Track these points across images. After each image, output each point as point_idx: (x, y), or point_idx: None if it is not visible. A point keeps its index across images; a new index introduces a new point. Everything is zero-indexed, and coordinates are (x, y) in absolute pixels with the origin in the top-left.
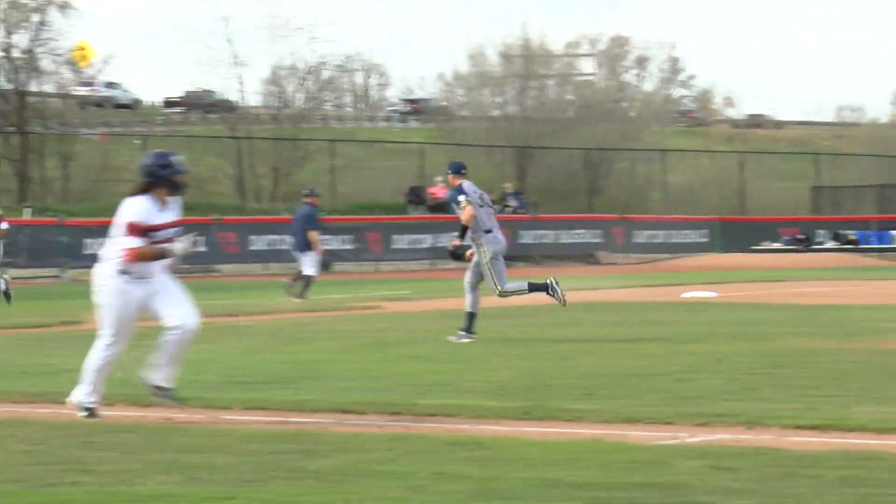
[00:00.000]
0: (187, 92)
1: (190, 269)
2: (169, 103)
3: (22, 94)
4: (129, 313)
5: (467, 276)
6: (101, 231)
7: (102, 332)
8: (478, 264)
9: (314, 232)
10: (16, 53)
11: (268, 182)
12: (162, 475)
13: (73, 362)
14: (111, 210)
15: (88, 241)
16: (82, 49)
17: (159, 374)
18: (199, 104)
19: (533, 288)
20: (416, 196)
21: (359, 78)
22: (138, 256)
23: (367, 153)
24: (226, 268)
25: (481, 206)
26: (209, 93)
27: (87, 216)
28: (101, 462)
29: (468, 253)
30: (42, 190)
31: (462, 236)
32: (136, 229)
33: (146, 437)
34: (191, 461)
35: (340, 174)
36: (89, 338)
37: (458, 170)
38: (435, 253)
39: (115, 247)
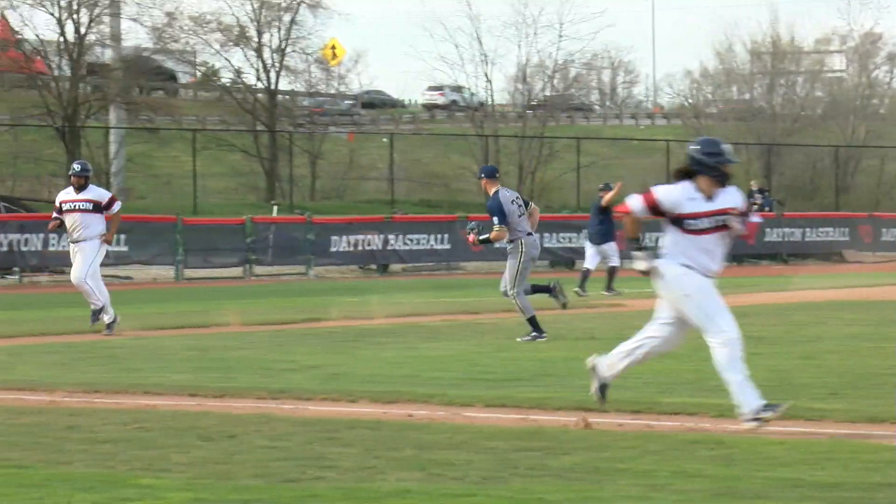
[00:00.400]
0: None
1: (434, 266)
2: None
3: (272, 93)
4: (715, 294)
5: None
6: (347, 229)
7: (709, 330)
8: (511, 263)
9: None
10: (266, 53)
11: (513, 180)
12: (402, 472)
13: (317, 359)
14: (357, 208)
15: (334, 238)
16: (333, 48)
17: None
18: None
19: (531, 322)
20: None
21: (606, 75)
22: (625, 220)
23: (613, 151)
24: (470, 265)
25: (521, 216)
26: (379, 93)
27: (333, 214)
28: (342, 458)
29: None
30: (290, 188)
31: (486, 242)
32: (648, 199)
33: (387, 433)
34: (431, 458)
35: (586, 172)
36: (333, 335)
37: (493, 174)
38: None
39: (671, 241)
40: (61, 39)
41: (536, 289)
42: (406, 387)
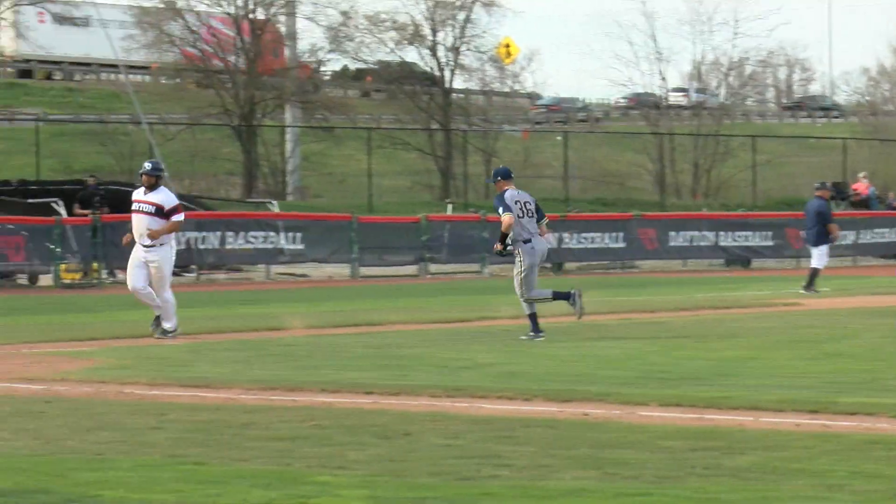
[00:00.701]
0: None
1: (609, 264)
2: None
3: (447, 92)
4: None
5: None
6: None
7: None
8: (515, 271)
9: (832, 225)
10: (441, 51)
11: (688, 178)
12: (577, 470)
13: (491, 357)
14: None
15: None
16: (507, 46)
17: None
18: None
19: (556, 296)
20: (839, 192)
21: (782, 73)
22: None
23: (789, 148)
24: (645, 264)
25: (521, 217)
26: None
27: None
28: (517, 456)
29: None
30: (464, 186)
31: (503, 241)
32: None
33: (562, 432)
34: (606, 457)
35: (761, 170)
36: (507, 333)
37: (508, 175)
38: (857, 249)
39: None
40: (238, 39)
41: (557, 295)
42: (581, 385)
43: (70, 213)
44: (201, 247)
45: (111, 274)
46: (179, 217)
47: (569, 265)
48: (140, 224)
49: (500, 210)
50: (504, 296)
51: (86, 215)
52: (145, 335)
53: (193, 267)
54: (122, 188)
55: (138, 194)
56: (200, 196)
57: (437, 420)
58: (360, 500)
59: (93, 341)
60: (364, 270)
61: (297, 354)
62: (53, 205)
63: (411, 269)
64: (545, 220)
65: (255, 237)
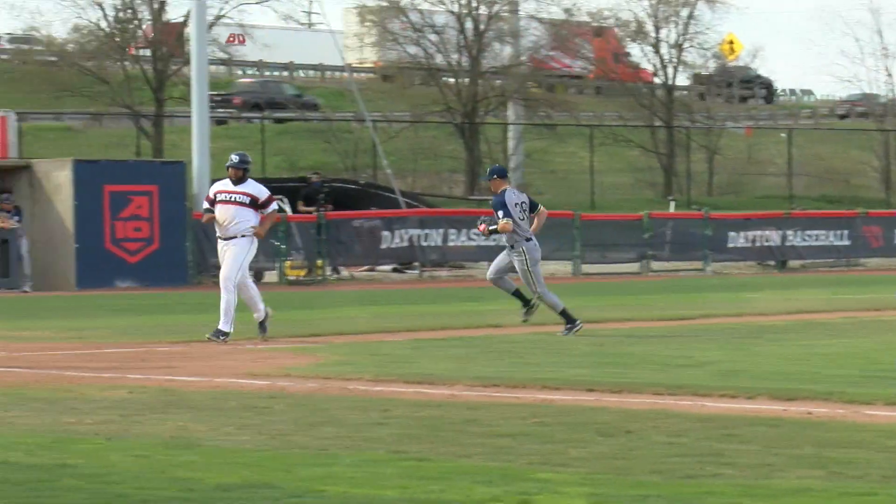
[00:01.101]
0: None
1: (833, 262)
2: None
3: (670, 89)
4: None
5: (491, 272)
6: (745, 224)
7: None
8: (520, 269)
9: None
10: (664, 48)
11: None
12: (801, 469)
13: (712, 355)
14: (754, 203)
15: (731, 234)
16: (731, 42)
17: None
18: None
19: (563, 314)
20: None
21: None
22: None
23: None
24: (871, 261)
25: (522, 220)
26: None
27: (730, 209)
28: (740, 455)
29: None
30: (687, 183)
31: (493, 232)
32: None
33: (786, 430)
34: (831, 456)
35: None
36: (729, 331)
37: (504, 174)
38: None
39: None
40: (461, 37)
41: (564, 314)
42: (805, 384)
43: (295, 211)
44: (424, 244)
45: (335, 271)
46: (275, 207)
47: (793, 263)
48: (227, 214)
49: (500, 213)
50: (727, 293)
51: (310, 212)
52: (368, 331)
53: (416, 264)
54: (346, 185)
55: (225, 185)
56: (423, 193)
57: (659, 418)
58: (581, 498)
59: (316, 337)
60: (586, 268)
61: (518, 352)
62: (278, 202)
63: (633, 267)
64: (539, 210)
65: (477, 234)
